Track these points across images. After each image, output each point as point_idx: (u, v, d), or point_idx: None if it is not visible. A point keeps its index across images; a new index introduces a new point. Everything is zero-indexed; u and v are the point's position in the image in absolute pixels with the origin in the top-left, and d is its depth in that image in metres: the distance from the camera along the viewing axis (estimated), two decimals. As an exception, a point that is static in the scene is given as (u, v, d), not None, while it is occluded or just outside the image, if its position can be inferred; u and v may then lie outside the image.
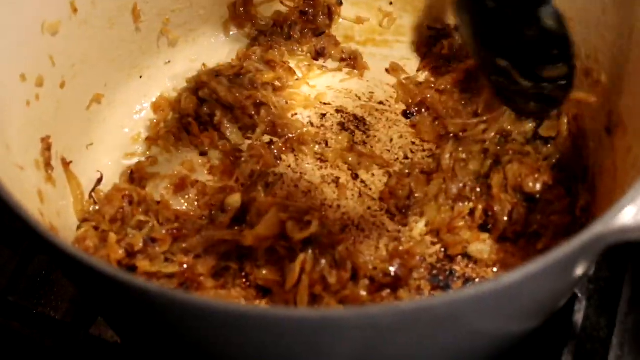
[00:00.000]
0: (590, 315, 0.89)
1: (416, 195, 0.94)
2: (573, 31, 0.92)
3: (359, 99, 1.07)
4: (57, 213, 0.88)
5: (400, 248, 0.90)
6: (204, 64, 1.07)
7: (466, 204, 0.94)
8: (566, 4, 0.92)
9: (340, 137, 1.02)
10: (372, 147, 1.02)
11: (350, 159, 1.00)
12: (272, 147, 1.01)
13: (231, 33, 1.12)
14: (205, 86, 1.00)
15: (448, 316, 0.58)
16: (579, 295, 0.88)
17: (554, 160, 0.95)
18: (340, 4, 1.12)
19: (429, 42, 1.10)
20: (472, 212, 0.93)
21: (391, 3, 1.13)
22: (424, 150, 1.01)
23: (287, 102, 1.05)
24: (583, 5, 0.91)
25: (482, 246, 0.89)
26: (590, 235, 0.59)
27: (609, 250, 0.91)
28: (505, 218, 0.91)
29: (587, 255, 0.64)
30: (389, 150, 1.02)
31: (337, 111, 1.06)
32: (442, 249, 0.91)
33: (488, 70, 0.88)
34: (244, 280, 0.89)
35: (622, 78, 0.85)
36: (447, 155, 0.96)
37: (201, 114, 1.01)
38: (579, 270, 0.69)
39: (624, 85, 0.84)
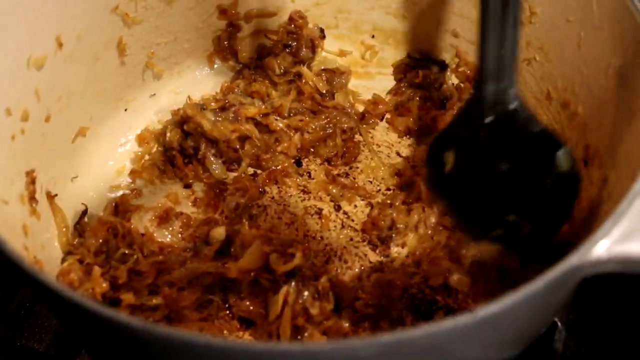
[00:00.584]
0: (570, 345, 0.90)
1: (398, 225, 0.96)
2: (550, 63, 0.95)
3: (342, 130, 1.09)
4: (42, 246, 0.88)
5: (383, 279, 0.91)
6: (189, 97, 1.08)
7: (445, 233, 0.95)
8: (544, 37, 0.95)
9: (322, 169, 1.04)
10: (354, 178, 1.03)
11: (333, 190, 1.01)
12: (256, 179, 1.02)
13: (215, 66, 1.13)
14: (190, 120, 1.01)
15: (428, 348, 0.59)
16: (559, 324, 0.89)
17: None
18: (323, 37, 1.14)
19: (406, 69, 1.13)
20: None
21: (373, 36, 1.15)
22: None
23: (270, 135, 1.06)
24: (560, 40, 0.93)
25: (462, 276, 0.90)
26: (566, 268, 0.60)
27: (588, 280, 0.94)
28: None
29: (563, 287, 0.65)
30: (370, 182, 1.03)
31: (320, 142, 1.08)
32: (424, 279, 0.92)
33: (486, 229, 0.87)
34: (227, 312, 0.89)
35: (598, 110, 0.87)
36: (423, 185, 0.97)
37: (186, 147, 1.02)
38: (557, 301, 0.71)
39: (600, 117, 0.86)
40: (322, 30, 1.13)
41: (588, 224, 0.80)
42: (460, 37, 1.07)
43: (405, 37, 1.13)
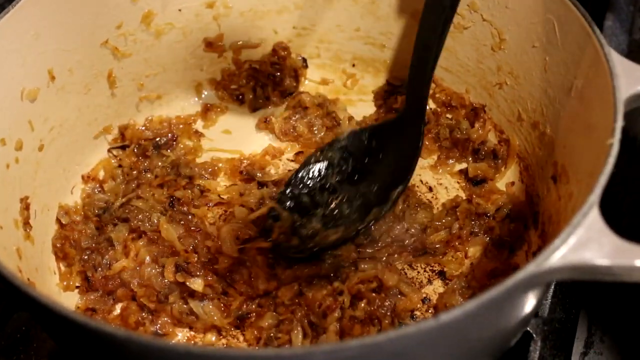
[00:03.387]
0: (546, 356, 0.93)
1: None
2: (519, 86, 0.99)
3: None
4: (35, 269, 0.92)
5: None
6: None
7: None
8: (513, 62, 1.00)
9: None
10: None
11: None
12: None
13: (203, 95, 1.18)
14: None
15: (395, 352, 0.62)
16: (534, 336, 0.92)
17: (506, 210, 1.00)
18: (306, 66, 1.19)
19: (385, 95, 1.17)
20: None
21: (354, 65, 1.19)
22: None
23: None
24: (528, 64, 0.98)
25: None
26: (524, 275, 0.64)
27: (563, 291, 0.97)
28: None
29: (523, 294, 0.68)
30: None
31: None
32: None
33: None
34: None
35: (563, 129, 0.91)
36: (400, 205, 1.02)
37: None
38: (521, 310, 0.74)
39: (566, 136, 0.90)
40: (304, 60, 1.18)
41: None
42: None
43: (384, 65, 1.17)
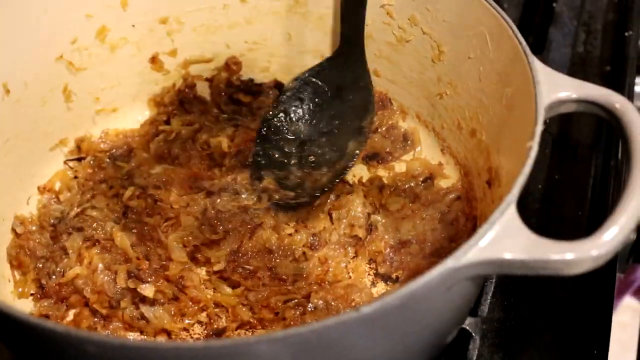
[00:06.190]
0: (484, 354, 0.96)
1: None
2: (458, 96, 1.03)
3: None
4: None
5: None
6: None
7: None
8: (451, 73, 1.04)
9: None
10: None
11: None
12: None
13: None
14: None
15: (319, 342, 0.65)
16: (473, 334, 0.96)
17: (438, 214, 1.04)
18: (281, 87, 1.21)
19: None
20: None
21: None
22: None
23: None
24: (464, 75, 1.02)
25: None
26: (443, 269, 0.67)
27: (502, 291, 1.01)
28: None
29: (445, 289, 0.72)
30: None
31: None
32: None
33: None
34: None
35: (496, 136, 0.96)
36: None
37: None
38: (449, 304, 0.78)
39: (498, 142, 0.95)
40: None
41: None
42: (381, 77, 1.15)
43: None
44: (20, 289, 1.00)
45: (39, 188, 1.09)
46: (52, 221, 1.05)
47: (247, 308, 0.97)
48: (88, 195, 1.08)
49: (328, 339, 0.66)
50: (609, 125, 0.81)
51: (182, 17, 1.13)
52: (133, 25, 1.11)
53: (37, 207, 1.08)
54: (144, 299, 0.97)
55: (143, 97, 1.19)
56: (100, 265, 1.00)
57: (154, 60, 1.16)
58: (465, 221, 1.02)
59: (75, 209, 1.06)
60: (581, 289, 0.99)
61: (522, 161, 0.76)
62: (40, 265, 1.00)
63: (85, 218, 1.05)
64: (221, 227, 1.02)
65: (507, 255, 0.68)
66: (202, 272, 1.01)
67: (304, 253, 1.01)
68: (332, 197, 1.06)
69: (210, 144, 1.13)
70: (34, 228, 1.04)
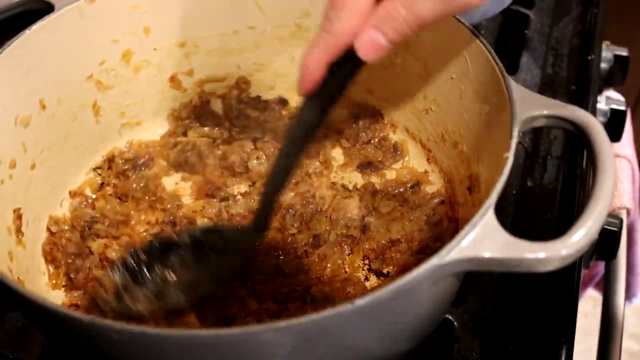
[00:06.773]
0: (465, 340, 0.95)
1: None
2: (442, 111, 1.03)
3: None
4: (26, 269, 0.93)
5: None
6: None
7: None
8: (435, 91, 1.04)
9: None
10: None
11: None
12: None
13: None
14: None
15: (318, 332, 0.65)
16: (455, 323, 0.95)
17: (425, 216, 1.03)
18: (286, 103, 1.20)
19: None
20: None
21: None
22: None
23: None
24: (447, 93, 1.01)
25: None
26: (429, 266, 0.66)
27: (481, 284, 1.00)
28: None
29: (431, 284, 0.71)
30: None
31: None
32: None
33: None
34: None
35: (476, 147, 0.95)
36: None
37: None
38: (434, 297, 0.77)
39: (478, 152, 0.94)
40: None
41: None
42: (374, 95, 1.15)
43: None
44: (54, 281, 0.99)
45: (70, 192, 1.08)
46: (82, 223, 1.04)
47: (255, 299, 0.96)
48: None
49: (326, 328, 0.65)
50: (576, 137, 0.80)
51: (198, 42, 1.13)
52: (154, 49, 1.10)
53: (69, 210, 1.07)
54: None
55: (163, 112, 1.18)
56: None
57: (172, 79, 1.15)
58: (448, 223, 1.01)
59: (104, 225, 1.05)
60: (551, 283, 0.98)
61: (499, 170, 0.76)
62: (70, 261, 0.99)
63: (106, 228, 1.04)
64: (233, 228, 1.01)
65: (486, 254, 0.67)
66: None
67: (305, 251, 1.00)
68: (333, 201, 1.05)
69: (225, 155, 1.11)
70: (66, 227, 1.03)
